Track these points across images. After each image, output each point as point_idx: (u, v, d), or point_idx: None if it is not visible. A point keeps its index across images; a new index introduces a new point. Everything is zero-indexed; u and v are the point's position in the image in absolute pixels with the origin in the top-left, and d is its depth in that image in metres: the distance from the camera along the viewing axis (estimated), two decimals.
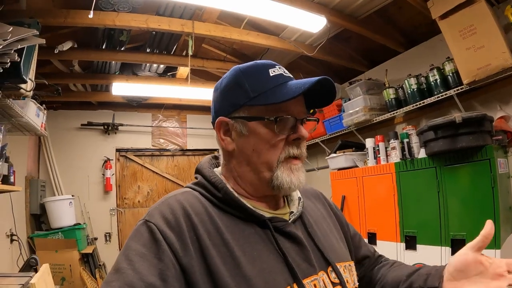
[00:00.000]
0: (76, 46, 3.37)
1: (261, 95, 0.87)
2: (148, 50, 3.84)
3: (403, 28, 3.67)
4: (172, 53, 3.84)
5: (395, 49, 3.73)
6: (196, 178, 0.99)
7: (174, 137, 5.56)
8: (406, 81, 3.28)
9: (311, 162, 5.08)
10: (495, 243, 2.39)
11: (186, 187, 0.98)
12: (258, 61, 0.95)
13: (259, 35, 3.39)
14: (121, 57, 3.66)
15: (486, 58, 2.68)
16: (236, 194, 0.89)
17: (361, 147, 3.77)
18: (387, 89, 3.49)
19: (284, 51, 3.75)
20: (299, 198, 1.02)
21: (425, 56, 3.43)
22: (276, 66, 0.93)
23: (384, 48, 3.77)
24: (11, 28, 1.87)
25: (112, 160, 5.21)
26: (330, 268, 0.91)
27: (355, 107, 3.70)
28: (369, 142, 3.49)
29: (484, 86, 2.99)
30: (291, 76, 0.93)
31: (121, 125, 5.24)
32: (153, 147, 5.47)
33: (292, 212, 0.98)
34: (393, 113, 3.47)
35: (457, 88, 2.92)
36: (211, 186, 0.92)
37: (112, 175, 5.18)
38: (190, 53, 3.26)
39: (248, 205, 0.88)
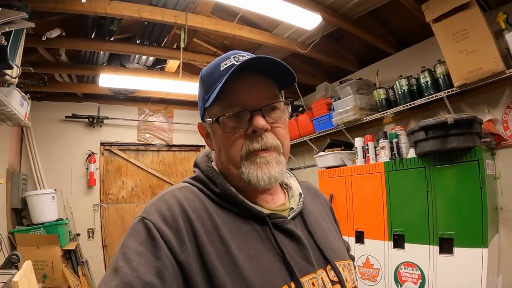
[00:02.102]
0: (64, 34, 3.29)
1: (212, 93, 0.87)
2: (138, 41, 3.77)
3: (395, 30, 3.73)
4: (162, 45, 3.79)
5: (386, 50, 3.78)
6: (194, 172, 0.99)
7: (160, 132, 5.49)
8: (397, 82, 3.33)
9: (297, 160, 5.11)
10: (482, 242, 2.47)
11: (184, 181, 0.97)
12: (218, 57, 0.94)
13: (252, 30, 3.37)
14: (110, 47, 3.59)
15: (477, 62, 2.74)
16: (234, 190, 0.88)
17: (349, 146, 3.82)
18: (378, 89, 3.54)
19: (276, 48, 3.74)
20: (300, 194, 1.01)
21: (416, 58, 3.50)
22: (231, 57, 0.90)
23: (375, 48, 3.82)
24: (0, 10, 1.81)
25: (96, 154, 5.10)
26: (329, 267, 0.90)
27: (345, 106, 3.74)
28: (358, 141, 3.54)
29: (473, 89, 3.08)
30: (242, 60, 0.87)
31: (107, 118, 5.15)
32: (139, 142, 5.39)
33: (292, 208, 0.97)
34: (383, 113, 3.51)
35: (447, 90, 2.98)
36: (209, 181, 0.91)
37: (96, 169, 5.07)
38: (182, 45, 3.24)
39: (247, 201, 0.87)
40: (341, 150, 3.79)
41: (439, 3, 2.97)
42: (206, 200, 0.87)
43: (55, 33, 3.11)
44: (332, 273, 0.89)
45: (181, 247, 0.76)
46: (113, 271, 0.73)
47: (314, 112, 4.37)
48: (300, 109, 4.63)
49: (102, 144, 5.23)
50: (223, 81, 0.82)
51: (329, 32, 3.57)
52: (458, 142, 2.55)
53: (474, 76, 2.76)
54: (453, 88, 2.93)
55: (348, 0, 3.15)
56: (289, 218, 0.92)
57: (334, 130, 4.14)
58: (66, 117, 4.98)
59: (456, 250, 2.61)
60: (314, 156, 4.12)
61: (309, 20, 3.01)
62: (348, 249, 1.15)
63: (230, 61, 0.88)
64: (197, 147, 5.66)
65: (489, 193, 2.75)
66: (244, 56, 0.90)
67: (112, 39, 3.61)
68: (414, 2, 3.08)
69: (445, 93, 3.00)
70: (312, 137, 4.48)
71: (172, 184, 5.13)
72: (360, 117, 3.63)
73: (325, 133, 4.24)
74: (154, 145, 5.39)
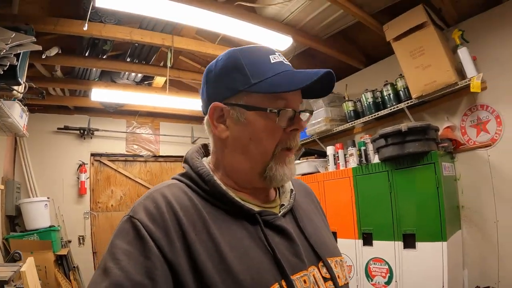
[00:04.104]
0: (60, 52, 3.53)
1: (262, 82, 0.83)
2: (128, 59, 4.03)
3: (364, 48, 4.02)
4: (150, 63, 4.05)
5: (356, 66, 4.07)
6: (183, 168, 0.97)
7: (147, 143, 5.68)
8: (363, 95, 3.65)
9: None
10: (441, 236, 2.69)
11: (172, 178, 0.95)
12: (257, 46, 0.92)
13: None
14: (103, 65, 3.83)
15: (432, 75, 3.03)
16: (224, 187, 0.87)
17: (323, 154, 4.08)
18: (347, 102, 3.86)
19: None
20: (291, 190, 1.01)
21: (382, 73, 3.79)
22: (276, 53, 0.90)
23: (347, 64, 4.09)
24: (14, 34, 2.08)
25: (86, 164, 5.29)
26: (321, 263, 0.89)
27: (317, 118, 4.02)
28: (329, 150, 3.82)
29: (433, 99, 3.36)
30: (290, 64, 0.90)
31: (97, 130, 5.35)
32: (127, 153, 5.57)
33: (283, 205, 0.96)
34: (352, 124, 3.82)
35: (407, 102, 3.28)
36: (198, 177, 0.89)
37: (87, 179, 5.26)
38: (169, 65, 3.50)
39: (237, 199, 0.86)
40: (315, 158, 4.06)
41: (398, 24, 3.27)
42: (195, 197, 0.86)
43: (54, 51, 3.37)
44: (324, 270, 0.89)
45: (170, 246, 0.75)
46: (102, 271, 0.73)
47: None
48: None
49: (92, 154, 5.42)
50: (310, 81, 0.80)
51: (303, 50, 3.88)
52: (414, 147, 2.81)
53: (429, 88, 3.06)
54: (412, 100, 3.23)
55: (317, 22, 3.44)
56: (279, 214, 0.91)
57: (309, 140, 4.40)
58: (58, 128, 5.19)
59: (418, 244, 2.82)
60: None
61: (281, 42, 3.27)
62: None
63: (278, 58, 0.88)
64: (182, 158, 5.78)
65: (449, 193, 3.02)
66: (280, 54, 0.91)
67: (104, 57, 3.86)
68: (377, 23, 3.37)
69: (405, 104, 3.29)
70: None
71: None
72: (331, 128, 3.94)
73: (300, 142, 4.44)
74: (141, 156, 5.57)
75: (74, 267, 4.86)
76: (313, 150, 4.23)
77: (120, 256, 0.73)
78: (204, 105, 0.95)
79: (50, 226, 4.57)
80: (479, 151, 3.33)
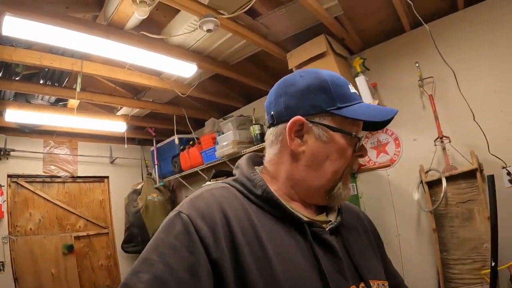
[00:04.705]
0: None
1: (347, 107, 0.89)
2: (41, 81, 4.00)
3: (273, 72, 4.20)
4: (63, 85, 4.05)
5: (265, 89, 4.28)
6: (234, 174, 1.00)
7: (65, 163, 5.55)
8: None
9: (194, 188, 5.40)
10: None
11: (223, 182, 0.98)
12: (336, 74, 0.96)
13: (142, 75, 3.75)
14: (16, 86, 3.80)
15: None
16: (276, 194, 0.89)
17: (233, 175, 4.22)
18: (254, 125, 4.06)
19: (163, 90, 4.16)
20: (339, 209, 1.01)
21: None
22: (350, 83, 0.97)
23: (256, 88, 4.30)
24: None
25: (3, 186, 5.07)
26: (362, 284, 0.89)
27: (226, 140, 4.17)
28: None
29: None
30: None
31: (13, 150, 5.17)
32: (44, 174, 5.41)
33: (330, 221, 0.96)
34: (258, 146, 4.01)
35: None
36: (250, 183, 0.91)
37: (4, 201, 5.03)
38: (78, 90, 3.53)
39: (288, 206, 0.88)
40: (224, 179, 4.19)
41: (300, 53, 3.48)
42: (245, 201, 0.88)
43: None
44: None
45: (216, 245, 0.76)
46: (144, 262, 0.74)
47: (203, 145, 4.76)
48: (191, 142, 4.99)
49: (9, 176, 5.22)
50: (387, 117, 0.91)
51: (216, 74, 4.03)
52: None
53: None
54: None
55: (223, 50, 3.61)
56: (327, 229, 0.92)
57: (219, 162, 4.54)
58: None
59: None
60: (203, 185, 4.46)
61: (186, 69, 3.43)
62: (400, 281, 1.15)
63: (353, 89, 0.95)
64: (101, 178, 5.77)
65: None
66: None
67: (17, 78, 3.81)
68: (282, 51, 3.59)
69: None
70: (203, 167, 4.84)
71: (78, 215, 5.22)
72: (238, 150, 4.10)
73: (212, 164, 4.63)
74: (59, 177, 5.45)
75: None
76: (222, 171, 4.39)
77: (165, 250, 0.74)
78: (277, 115, 0.95)
79: None
80: (379, 171, 3.63)
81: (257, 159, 1.05)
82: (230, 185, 0.94)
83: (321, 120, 0.90)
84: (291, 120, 0.90)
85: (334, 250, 0.88)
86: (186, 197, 1.00)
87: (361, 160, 3.71)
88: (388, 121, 0.93)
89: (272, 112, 0.96)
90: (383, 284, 0.96)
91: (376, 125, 0.99)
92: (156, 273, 0.70)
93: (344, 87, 0.92)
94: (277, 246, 0.81)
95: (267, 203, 0.88)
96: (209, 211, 0.80)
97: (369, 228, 1.14)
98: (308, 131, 0.90)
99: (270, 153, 0.99)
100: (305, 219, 0.89)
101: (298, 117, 0.89)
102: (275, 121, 0.95)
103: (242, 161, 1.01)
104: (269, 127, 0.98)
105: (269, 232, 0.83)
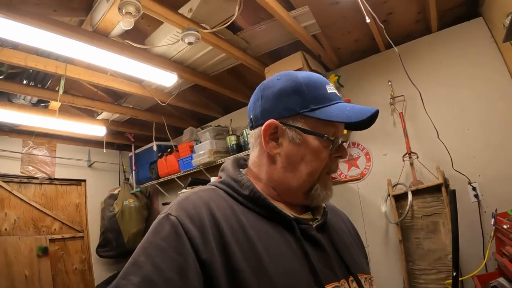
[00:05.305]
0: None
1: (321, 108, 0.89)
2: (25, 82, 3.99)
3: (251, 84, 4.30)
4: (46, 86, 4.07)
5: (243, 101, 4.40)
6: (220, 177, 1.01)
7: (43, 165, 5.52)
8: (244, 130, 3.97)
9: (170, 195, 5.48)
10: None
11: (210, 184, 0.99)
12: (314, 74, 0.97)
13: (123, 81, 3.80)
14: None
15: None
16: (263, 193, 0.91)
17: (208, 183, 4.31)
18: (230, 136, 4.17)
19: (144, 97, 4.22)
20: (324, 208, 1.03)
21: None
22: (330, 84, 0.96)
23: (233, 99, 4.41)
24: None
25: None
26: (351, 278, 0.91)
27: (203, 149, 4.26)
28: (213, 179, 4.05)
29: None
30: (341, 96, 0.97)
31: None
32: (22, 174, 5.36)
33: (316, 218, 0.99)
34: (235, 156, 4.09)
35: None
36: (237, 184, 0.93)
37: None
38: (60, 92, 3.57)
39: (275, 205, 0.90)
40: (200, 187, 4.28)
41: (277, 68, 3.61)
42: (233, 202, 0.89)
43: None
44: (354, 285, 0.90)
45: (205, 245, 0.76)
46: (133, 264, 0.75)
47: (180, 153, 4.85)
48: (169, 149, 5.07)
49: None
50: (365, 116, 0.88)
51: (195, 84, 4.11)
52: None
53: None
54: None
55: (204, 61, 3.70)
56: (314, 226, 0.93)
57: (196, 170, 4.62)
58: None
59: None
60: (179, 192, 4.52)
61: (167, 79, 3.52)
62: None
63: (332, 89, 0.95)
64: (78, 181, 5.76)
65: None
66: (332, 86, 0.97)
67: (1, 77, 3.79)
68: (260, 65, 3.71)
69: None
70: (180, 175, 4.90)
71: (54, 217, 5.18)
72: (214, 160, 4.20)
73: (189, 171, 4.70)
74: (37, 178, 5.42)
75: None
76: (198, 179, 4.46)
77: (153, 251, 0.75)
78: (254, 119, 0.98)
79: None
80: (350, 184, 3.77)
81: (242, 162, 1.06)
82: (217, 187, 0.95)
83: (294, 122, 0.91)
84: (265, 124, 0.92)
85: (322, 246, 0.90)
86: (162, 204, 0.99)
87: (334, 174, 3.83)
88: (370, 121, 0.93)
89: (251, 116, 0.99)
90: (370, 278, 0.98)
91: (360, 125, 0.96)
92: (145, 274, 0.71)
93: (320, 88, 0.93)
94: (266, 244, 0.82)
95: (255, 203, 0.89)
96: (198, 213, 0.81)
97: (351, 229, 1.17)
98: (283, 134, 0.92)
99: (252, 155, 1.02)
100: (292, 216, 0.90)
101: (272, 120, 0.92)
102: (253, 124, 0.98)
103: (227, 164, 1.02)
104: (250, 130, 1.01)
105: (258, 231, 0.84)
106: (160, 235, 0.77)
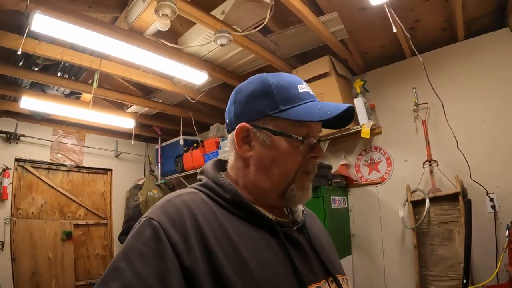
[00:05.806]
0: None
1: (290, 109, 0.88)
2: (59, 74, 4.15)
3: None
4: (80, 79, 4.23)
5: None
6: (200, 180, 0.98)
7: (71, 153, 5.68)
8: None
9: None
10: None
11: (190, 187, 0.96)
12: (286, 74, 0.97)
13: (155, 77, 3.93)
14: (34, 77, 3.94)
15: None
16: (245, 197, 0.90)
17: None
18: None
19: (174, 93, 4.35)
20: (303, 211, 1.04)
21: None
22: (303, 83, 0.95)
23: None
24: None
25: (10, 169, 5.20)
26: (330, 278, 0.93)
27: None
28: None
29: (335, 139, 3.82)
30: (315, 95, 0.96)
31: (23, 135, 5.32)
32: (51, 161, 5.54)
33: (296, 221, 1.00)
34: None
35: None
36: (218, 187, 0.91)
37: (9, 184, 5.17)
38: (94, 86, 3.72)
39: (257, 208, 0.89)
40: None
41: (305, 70, 3.72)
42: (215, 206, 0.87)
43: None
44: (334, 285, 0.92)
45: (188, 251, 0.75)
46: (112, 269, 0.73)
47: (206, 148, 4.96)
48: (195, 144, 5.17)
49: (16, 160, 5.35)
50: (335, 113, 0.86)
51: (224, 82, 4.21)
52: None
53: (325, 130, 3.51)
54: None
55: (233, 61, 3.82)
56: (294, 229, 0.95)
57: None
58: None
59: None
60: None
61: (198, 77, 3.63)
62: None
63: (305, 88, 0.94)
64: (104, 170, 5.92)
65: (339, 223, 3.50)
66: (307, 85, 0.96)
67: (36, 69, 3.95)
68: (288, 67, 3.80)
69: None
70: None
71: (79, 204, 5.37)
72: None
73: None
74: (65, 165, 5.59)
75: None
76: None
77: (134, 257, 0.73)
78: (229, 123, 0.98)
79: None
80: (370, 187, 3.84)
81: (221, 165, 1.05)
82: (197, 190, 0.94)
83: (264, 124, 0.91)
84: (237, 127, 0.93)
85: (302, 247, 0.91)
86: None
87: (353, 176, 3.90)
88: (347, 119, 0.94)
89: (227, 120, 0.99)
90: (346, 279, 1.00)
91: (336, 124, 0.97)
92: (125, 281, 0.70)
93: (290, 89, 0.92)
94: (249, 247, 0.82)
95: (237, 206, 0.89)
96: (180, 217, 0.79)
97: (324, 230, 1.18)
98: (254, 137, 0.92)
99: (230, 159, 1.02)
100: (274, 219, 0.91)
101: (243, 123, 0.92)
102: (229, 129, 0.98)
103: (207, 167, 1.01)
104: (228, 134, 1.01)
105: (240, 234, 0.83)
106: (141, 240, 0.76)
